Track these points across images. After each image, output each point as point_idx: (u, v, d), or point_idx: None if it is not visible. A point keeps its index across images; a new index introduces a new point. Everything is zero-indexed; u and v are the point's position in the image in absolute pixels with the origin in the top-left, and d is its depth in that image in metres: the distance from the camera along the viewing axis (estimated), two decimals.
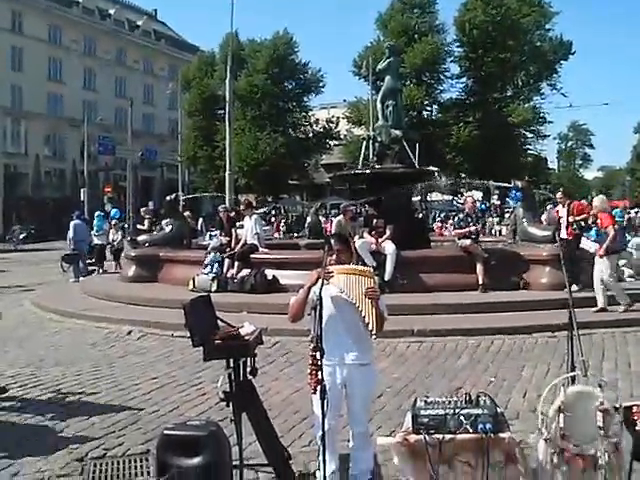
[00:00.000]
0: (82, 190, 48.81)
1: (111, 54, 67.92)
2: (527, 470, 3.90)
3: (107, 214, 30.99)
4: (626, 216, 30.26)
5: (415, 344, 10.47)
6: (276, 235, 26.32)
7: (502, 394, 7.49)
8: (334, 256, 5.06)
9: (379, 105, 18.48)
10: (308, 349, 4.51)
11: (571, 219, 13.46)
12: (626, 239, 16.29)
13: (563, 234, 13.39)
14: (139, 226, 24.08)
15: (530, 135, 53.56)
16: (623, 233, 13.94)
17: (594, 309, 11.81)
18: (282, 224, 37.50)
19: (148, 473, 5.56)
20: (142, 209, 25.71)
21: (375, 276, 5.66)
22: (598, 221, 12.61)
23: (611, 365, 8.99)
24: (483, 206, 38.67)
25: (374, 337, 4.86)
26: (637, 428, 3.90)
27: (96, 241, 23.61)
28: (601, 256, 11.93)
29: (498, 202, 44.01)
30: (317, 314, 4.45)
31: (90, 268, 22.41)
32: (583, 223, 13.53)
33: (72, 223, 21.94)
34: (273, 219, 32.17)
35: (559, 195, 14.59)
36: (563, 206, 13.85)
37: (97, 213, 25.72)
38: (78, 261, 21.08)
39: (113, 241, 24.50)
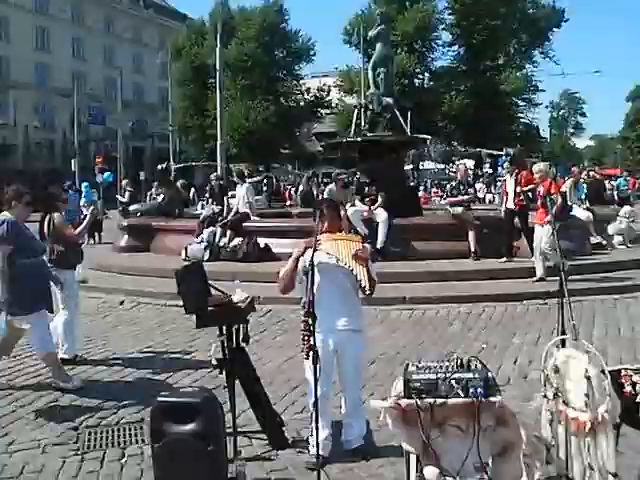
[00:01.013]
0: (73, 161, 48.43)
1: (99, 23, 67.11)
2: (518, 433, 3.94)
3: (97, 185, 30.93)
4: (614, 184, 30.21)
5: (407, 312, 10.52)
6: (288, 203, 26.11)
7: (493, 361, 7.54)
8: (326, 223, 5.07)
9: (370, 73, 18.41)
10: (301, 317, 4.53)
11: (519, 190, 13.02)
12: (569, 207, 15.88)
13: (510, 204, 13.12)
14: (120, 198, 24.16)
15: (522, 103, 53.52)
16: (566, 201, 13.50)
17: (533, 279, 11.62)
18: (293, 193, 36.74)
19: (142, 440, 5.60)
20: (124, 181, 25.70)
21: (368, 243, 5.69)
22: (540, 188, 11.82)
23: (601, 331, 9.06)
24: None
25: (369, 294, 4.89)
26: (625, 391, 3.95)
27: (85, 212, 23.46)
28: (547, 223, 11.27)
29: (490, 170, 44.04)
30: (309, 280, 4.46)
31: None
32: (530, 194, 12.87)
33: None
34: (265, 188, 31.98)
35: (506, 164, 14.19)
36: (511, 175, 13.42)
37: (84, 184, 25.58)
38: None
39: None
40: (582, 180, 20.33)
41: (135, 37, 71.86)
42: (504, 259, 12.94)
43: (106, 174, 29.58)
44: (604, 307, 10.54)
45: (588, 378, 3.79)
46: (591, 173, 26.00)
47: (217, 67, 29.53)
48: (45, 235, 8.02)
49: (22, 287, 6.69)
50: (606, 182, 27.17)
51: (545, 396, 3.96)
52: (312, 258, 4.54)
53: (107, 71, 64.31)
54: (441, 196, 33.35)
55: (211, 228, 14.91)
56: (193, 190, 27.32)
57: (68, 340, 8.05)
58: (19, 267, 6.69)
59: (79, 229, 8.61)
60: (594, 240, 15.06)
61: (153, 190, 20.52)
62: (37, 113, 61.49)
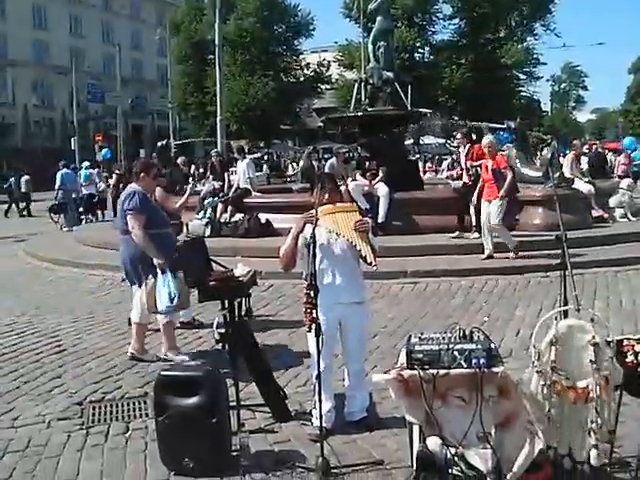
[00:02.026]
0: (72, 139, 48.32)
1: None
2: (520, 403, 3.95)
3: (97, 163, 30.90)
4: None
5: (409, 285, 10.53)
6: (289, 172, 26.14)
7: (495, 333, 7.54)
8: (326, 195, 5.05)
9: (370, 47, 18.28)
10: (303, 291, 4.53)
11: (469, 164, 12.78)
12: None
13: (465, 178, 12.91)
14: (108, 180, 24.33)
15: (523, 77, 53.26)
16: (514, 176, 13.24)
17: (482, 257, 11.54)
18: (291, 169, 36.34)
19: (146, 415, 5.63)
20: (114, 164, 25.73)
21: (369, 218, 5.68)
22: (490, 163, 11.49)
23: (603, 304, 9.06)
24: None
25: (375, 268, 4.87)
26: (627, 361, 3.95)
27: (84, 191, 23.48)
28: (500, 198, 11.19)
29: None
30: (311, 252, 4.46)
31: (82, 217, 22.39)
32: (479, 169, 12.41)
33: (59, 173, 21.84)
34: (265, 165, 31.90)
35: (459, 136, 13.76)
36: (464, 148, 13.17)
37: (84, 163, 25.60)
38: (66, 209, 20.99)
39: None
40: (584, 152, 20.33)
41: (133, 13, 71.35)
42: (456, 233, 12.75)
43: (104, 150, 29.54)
44: (606, 280, 10.54)
45: (595, 345, 3.79)
46: (594, 147, 25.95)
47: (216, 43, 29.34)
48: None
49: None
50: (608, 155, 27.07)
51: (539, 372, 3.95)
52: (313, 231, 4.53)
53: (105, 48, 63.94)
54: (435, 171, 33.26)
55: (210, 199, 14.94)
56: (193, 167, 27.34)
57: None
58: (150, 238, 6.77)
59: (180, 202, 9.12)
60: (596, 213, 15.04)
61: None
62: (36, 91, 61.26)
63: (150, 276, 6.63)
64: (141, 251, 6.77)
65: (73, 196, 22.31)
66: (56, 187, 21.97)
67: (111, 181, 24.61)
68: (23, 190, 27.15)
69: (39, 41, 60.85)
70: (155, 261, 6.61)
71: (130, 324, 7.51)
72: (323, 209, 4.89)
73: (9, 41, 57.72)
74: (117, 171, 25.14)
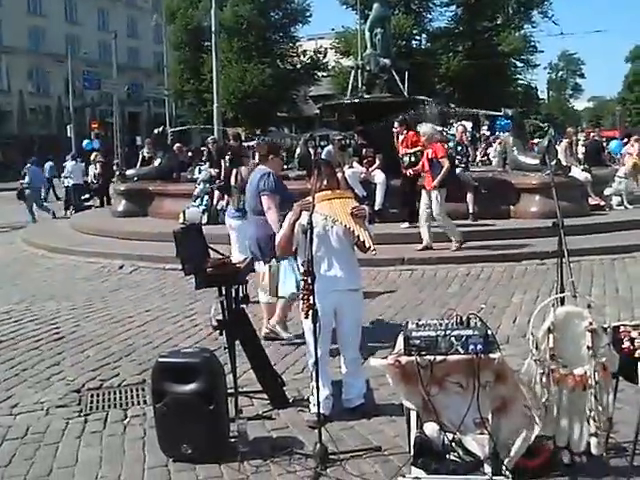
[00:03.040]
0: (68, 127, 48.17)
1: None
2: (517, 389, 3.97)
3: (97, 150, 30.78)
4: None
5: (406, 272, 10.55)
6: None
7: (492, 320, 7.56)
8: (324, 181, 5.05)
9: (367, 34, 18.20)
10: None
11: (404, 151, 12.62)
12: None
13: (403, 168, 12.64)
14: (92, 169, 24.29)
15: (520, 64, 53.10)
16: (453, 164, 13.08)
17: (419, 247, 11.38)
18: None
19: (144, 402, 5.65)
20: (94, 153, 25.61)
21: (366, 205, 5.68)
22: (428, 152, 11.23)
23: (599, 291, 9.10)
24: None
25: (374, 253, 4.86)
26: (623, 347, 3.97)
27: (66, 183, 23.34)
28: (433, 188, 10.99)
29: (488, 132, 43.80)
30: (307, 239, 4.46)
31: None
32: (413, 158, 12.30)
33: (28, 169, 21.62)
34: None
35: (396, 124, 13.43)
36: (400, 135, 12.97)
37: (71, 154, 25.36)
38: (32, 203, 20.82)
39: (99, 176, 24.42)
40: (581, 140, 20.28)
41: (129, 0, 70.89)
42: (406, 224, 12.61)
43: (85, 142, 29.18)
44: (602, 267, 10.57)
45: (592, 331, 3.81)
46: (591, 134, 25.93)
47: (212, 29, 29.24)
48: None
49: None
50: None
51: (537, 360, 3.97)
52: (310, 217, 4.53)
53: (101, 35, 63.50)
54: None
55: (202, 184, 14.95)
56: (190, 154, 27.27)
57: None
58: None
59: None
60: (592, 201, 15.05)
61: (145, 150, 20.43)
62: (31, 78, 60.96)
63: (273, 260, 6.71)
64: (271, 232, 6.70)
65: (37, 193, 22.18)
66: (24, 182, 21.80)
67: (95, 170, 24.48)
68: (47, 176, 26.71)
69: (35, 28, 60.42)
70: None
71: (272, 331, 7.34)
72: (319, 196, 4.89)
73: (4, 28, 57.27)
74: (102, 159, 25.16)
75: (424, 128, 11.53)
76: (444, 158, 11.14)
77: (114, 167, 27.76)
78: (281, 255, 5.13)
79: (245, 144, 16.30)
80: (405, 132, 12.94)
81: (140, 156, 21.05)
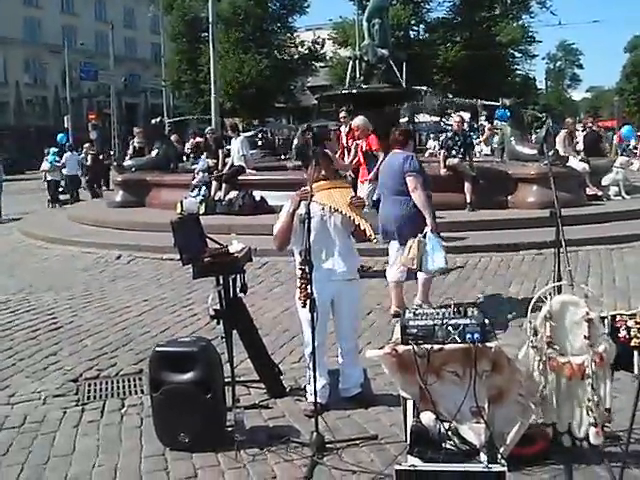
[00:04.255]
0: (65, 118, 48.07)
1: None
2: (513, 378, 3.97)
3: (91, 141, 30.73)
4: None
5: None
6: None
7: (490, 309, 7.58)
8: (324, 172, 5.04)
9: (365, 24, 18.16)
10: (297, 267, 4.54)
11: (351, 143, 11.89)
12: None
13: (347, 159, 11.86)
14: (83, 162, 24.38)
15: (518, 55, 52.99)
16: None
17: None
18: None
19: (142, 391, 5.66)
20: (85, 145, 25.56)
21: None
22: (362, 144, 10.93)
23: (596, 281, 9.11)
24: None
25: (375, 241, 4.91)
26: (619, 336, 3.97)
27: (48, 177, 23.25)
28: (367, 181, 10.68)
29: (486, 123, 43.75)
30: (305, 228, 4.45)
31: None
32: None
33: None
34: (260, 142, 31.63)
35: (342, 114, 12.98)
36: (345, 126, 12.49)
37: (52, 149, 25.13)
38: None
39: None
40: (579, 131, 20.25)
41: None
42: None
43: (60, 135, 28.99)
44: (599, 257, 10.57)
45: (588, 320, 3.82)
46: (588, 124, 25.89)
47: (210, 20, 29.12)
48: None
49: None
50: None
51: (534, 347, 3.97)
52: (308, 206, 4.52)
53: (98, 26, 63.22)
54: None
55: (200, 174, 14.96)
56: (188, 145, 27.25)
57: None
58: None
59: (349, 161, 10.41)
60: (590, 191, 15.05)
61: (135, 140, 20.40)
62: (28, 70, 60.79)
63: (419, 235, 7.11)
64: (413, 212, 7.37)
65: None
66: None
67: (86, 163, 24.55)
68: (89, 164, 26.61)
69: (31, 18, 60.22)
70: (429, 221, 7.26)
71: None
72: (318, 185, 4.89)
73: (0, 19, 57.10)
74: (93, 152, 25.14)
75: (357, 121, 11.29)
76: (379, 151, 10.80)
77: (104, 159, 27.68)
78: (278, 246, 5.11)
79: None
80: (351, 122, 12.03)
81: (131, 146, 21.06)
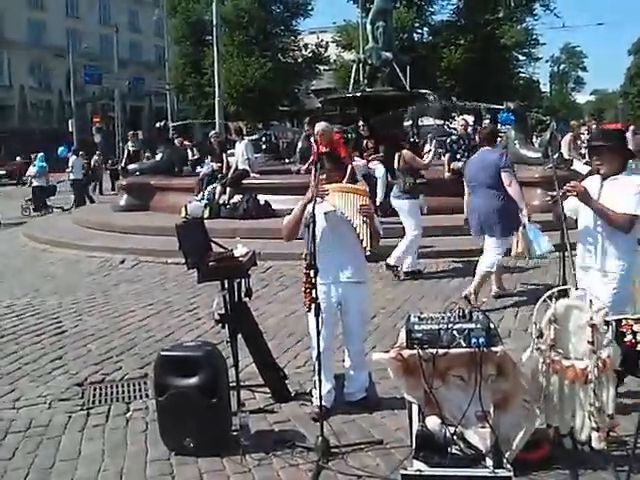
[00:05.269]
0: (70, 121, 48.18)
1: None
2: (518, 383, 3.97)
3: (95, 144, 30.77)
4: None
5: None
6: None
7: (494, 313, 7.58)
8: (324, 175, 5.04)
9: (369, 27, 18.20)
10: (302, 271, 4.54)
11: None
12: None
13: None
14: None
15: (522, 58, 52.94)
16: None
17: None
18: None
19: (147, 395, 5.66)
20: (80, 152, 25.64)
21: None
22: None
23: None
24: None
25: (369, 253, 4.90)
26: (625, 340, 3.97)
27: (35, 183, 23.10)
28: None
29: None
30: (310, 231, 4.45)
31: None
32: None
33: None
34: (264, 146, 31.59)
35: (306, 127, 13.03)
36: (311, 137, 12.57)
37: (40, 155, 24.76)
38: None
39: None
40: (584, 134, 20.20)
41: None
42: None
43: (60, 149, 28.95)
44: None
45: (592, 326, 3.81)
46: (592, 127, 25.84)
47: (214, 23, 29.18)
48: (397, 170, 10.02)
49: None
50: None
51: (538, 349, 3.97)
52: (313, 210, 4.52)
53: (102, 29, 63.50)
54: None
55: (212, 185, 14.96)
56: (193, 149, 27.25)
57: (413, 257, 9.79)
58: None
59: (427, 159, 10.61)
60: None
61: (129, 144, 20.45)
62: (33, 73, 60.93)
63: (520, 227, 7.79)
64: (507, 205, 7.86)
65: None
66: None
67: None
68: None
69: (35, 22, 60.40)
70: (525, 212, 7.80)
71: (468, 297, 8.00)
72: (335, 187, 4.93)
73: (5, 22, 57.27)
74: (86, 159, 25.30)
75: (319, 126, 11.38)
76: (346, 155, 10.84)
77: (95, 165, 27.70)
78: (286, 238, 5.11)
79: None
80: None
81: (125, 150, 21.07)
